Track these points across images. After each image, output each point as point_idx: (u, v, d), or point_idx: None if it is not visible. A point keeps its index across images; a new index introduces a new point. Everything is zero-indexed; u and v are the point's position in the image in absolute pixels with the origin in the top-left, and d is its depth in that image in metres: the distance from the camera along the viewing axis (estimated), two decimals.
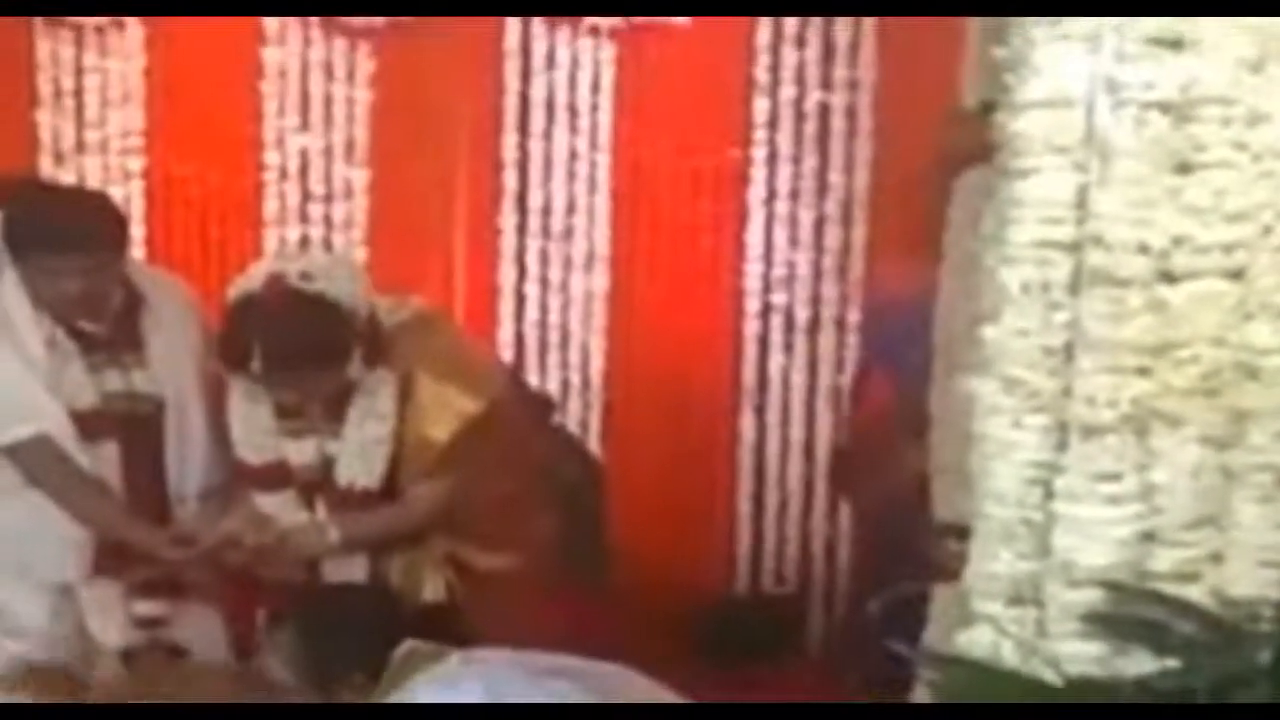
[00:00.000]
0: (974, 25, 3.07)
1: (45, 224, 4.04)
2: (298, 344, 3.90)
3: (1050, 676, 2.35)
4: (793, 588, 5.98)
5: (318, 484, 4.09)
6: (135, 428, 4.16)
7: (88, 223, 4.05)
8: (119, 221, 4.19)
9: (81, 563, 4.13)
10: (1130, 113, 2.16)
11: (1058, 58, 2.19)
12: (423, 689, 3.24)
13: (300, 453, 4.08)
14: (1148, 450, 2.31)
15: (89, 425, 4.10)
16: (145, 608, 4.18)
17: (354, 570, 4.08)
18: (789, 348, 5.95)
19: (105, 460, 4.13)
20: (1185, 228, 2.19)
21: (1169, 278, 2.21)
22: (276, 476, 4.10)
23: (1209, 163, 2.17)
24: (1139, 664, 2.33)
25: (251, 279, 3.98)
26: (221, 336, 4.00)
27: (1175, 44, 2.12)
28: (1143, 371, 2.26)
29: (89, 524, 4.09)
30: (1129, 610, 2.35)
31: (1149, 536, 2.35)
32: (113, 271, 4.08)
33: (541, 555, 4.32)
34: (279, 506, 4.10)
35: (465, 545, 4.13)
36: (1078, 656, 2.36)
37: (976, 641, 2.50)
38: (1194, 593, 2.35)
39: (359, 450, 4.01)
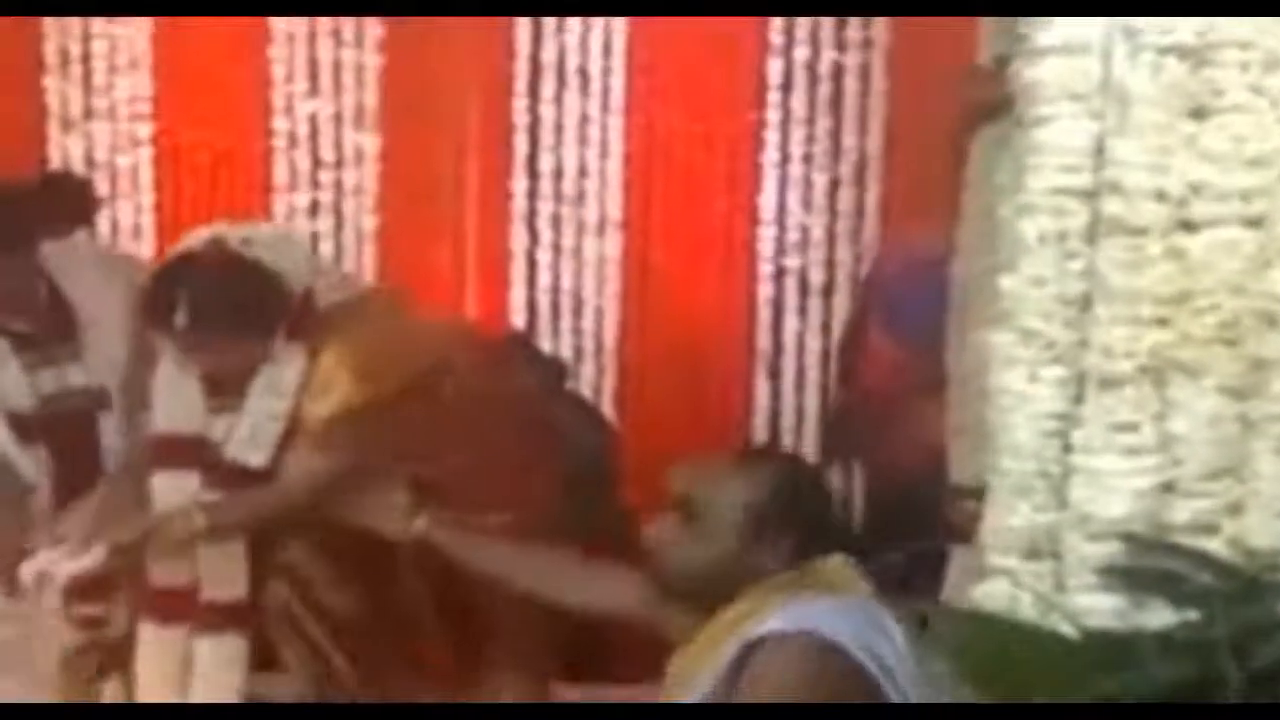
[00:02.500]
0: None
1: None
2: (224, 305, 3.76)
3: (1068, 630, 2.33)
4: None
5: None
6: (67, 426, 4.10)
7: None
8: (19, 219, 4.13)
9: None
10: (1147, 58, 2.14)
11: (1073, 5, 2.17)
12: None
13: (217, 428, 3.92)
14: (1166, 401, 2.29)
15: (24, 428, 4.06)
16: (85, 609, 4.08)
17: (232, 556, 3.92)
18: (803, 311, 5.93)
19: (41, 463, 4.08)
20: (1203, 174, 2.17)
21: (1187, 225, 2.19)
22: (190, 452, 3.92)
23: (1226, 108, 2.15)
24: (1158, 616, 2.30)
25: (191, 240, 3.93)
26: (149, 290, 3.87)
27: None
28: (1161, 321, 2.24)
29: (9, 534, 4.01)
30: (1147, 562, 2.33)
31: (1167, 488, 2.33)
32: (25, 266, 4.03)
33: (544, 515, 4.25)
34: (177, 487, 3.91)
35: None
36: (1096, 609, 2.34)
37: (992, 595, 2.48)
38: (1213, 544, 2.33)
39: (253, 426, 3.87)
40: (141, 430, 4.04)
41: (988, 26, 3.05)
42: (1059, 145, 2.24)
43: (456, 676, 4.11)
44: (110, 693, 4.04)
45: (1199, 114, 2.16)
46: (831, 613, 2.83)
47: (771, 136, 5.85)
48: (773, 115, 5.83)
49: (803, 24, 5.79)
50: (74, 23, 6.13)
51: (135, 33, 6.12)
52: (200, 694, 3.90)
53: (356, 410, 3.84)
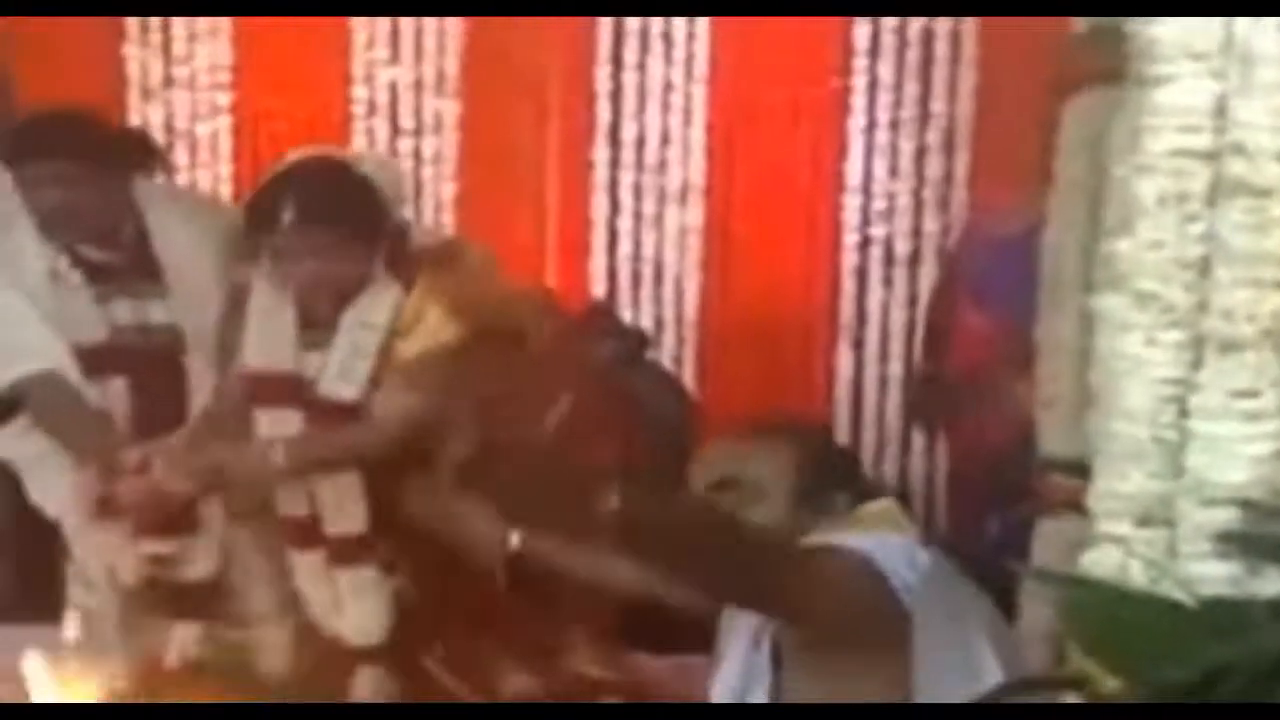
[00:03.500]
0: None
1: (31, 134, 4.02)
2: (331, 206, 3.80)
3: (1182, 597, 2.30)
4: None
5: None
6: (147, 362, 4.10)
7: (65, 131, 4.00)
8: (108, 136, 4.12)
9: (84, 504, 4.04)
10: (1272, 18, 2.09)
11: None
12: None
13: (311, 365, 3.96)
14: None
15: (96, 360, 4.05)
16: (153, 546, 4.07)
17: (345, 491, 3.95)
18: (888, 281, 5.89)
19: (114, 396, 4.07)
20: None
21: None
22: (287, 389, 3.95)
23: None
24: (1273, 584, 2.27)
25: (298, 154, 3.94)
26: (254, 196, 3.91)
27: None
28: None
29: (86, 459, 4.02)
30: (1264, 529, 2.29)
31: None
32: (101, 188, 4.02)
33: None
34: (279, 424, 3.95)
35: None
36: (1209, 577, 2.30)
37: (1101, 563, 2.44)
38: None
39: (343, 359, 3.89)
40: (231, 373, 4.04)
41: None
42: (1180, 105, 2.20)
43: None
44: (181, 637, 4.04)
45: None
46: (882, 545, 3.24)
47: (858, 102, 5.80)
48: (859, 81, 5.79)
49: None
50: None
51: None
52: (352, 621, 3.95)
53: (445, 348, 3.86)
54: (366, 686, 3.96)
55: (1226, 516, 2.29)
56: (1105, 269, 2.40)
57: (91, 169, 4.05)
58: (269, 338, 3.95)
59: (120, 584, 4.03)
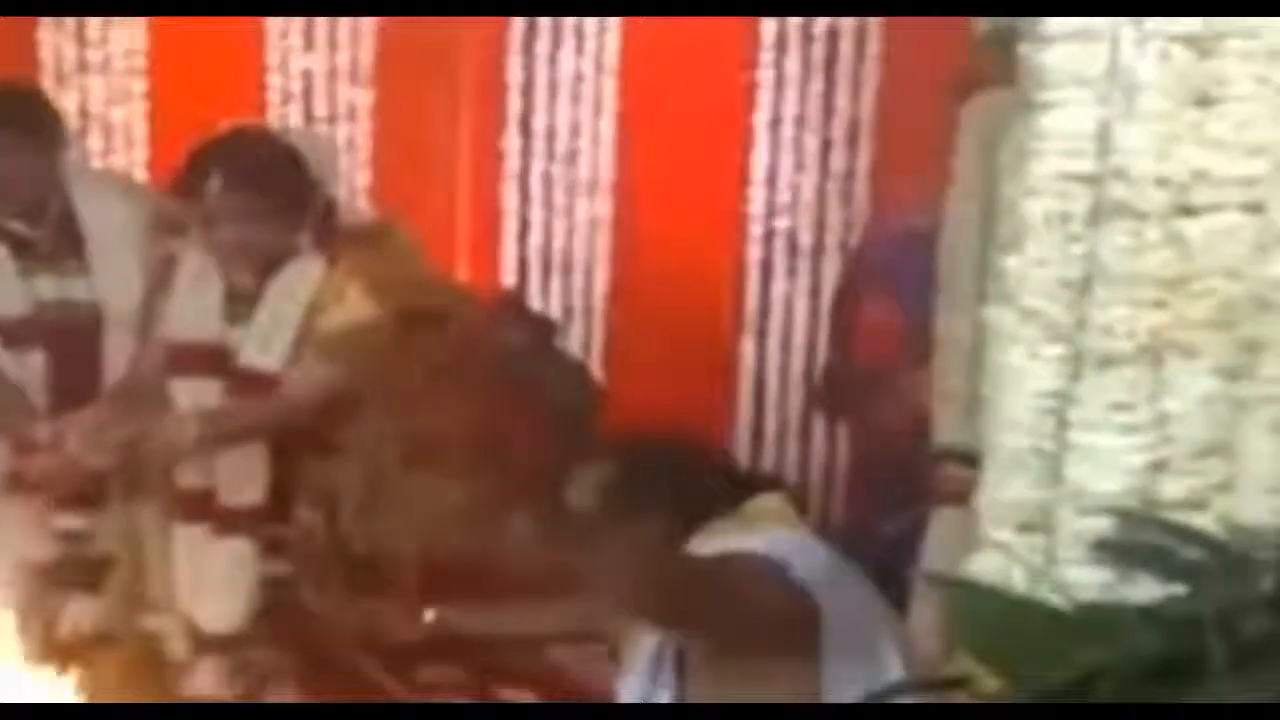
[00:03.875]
0: None
1: None
2: (258, 174, 3.82)
3: (1059, 601, 2.38)
4: None
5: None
6: (67, 338, 4.12)
7: (10, 117, 4.02)
8: (30, 110, 4.13)
9: None
10: (1155, 46, 2.18)
11: None
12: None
13: (235, 337, 3.98)
14: (1161, 381, 2.33)
15: (16, 332, 4.07)
16: (66, 521, 4.12)
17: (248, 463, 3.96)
18: (792, 273, 5.98)
19: (31, 369, 4.09)
20: (1205, 161, 2.21)
21: (1188, 211, 2.23)
22: (207, 360, 3.98)
23: (1231, 96, 2.19)
24: (1146, 590, 2.35)
25: (228, 124, 3.99)
26: (184, 165, 3.92)
27: None
28: (1159, 304, 2.28)
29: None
30: (1138, 537, 2.38)
31: (1160, 465, 2.37)
32: (31, 161, 4.04)
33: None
34: (197, 395, 3.97)
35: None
36: (1085, 583, 2.39)
37: (985, 567, 2.53)
38: (1202, 520, 2.38)
39: (265, 330, 3.93)
40: (153, 345, 4.06)
41: None
42: (1065, 131, 2.28)
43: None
44: (72, 612, 4.05)
45: (1203, 102, 2.20)
46: (775, 543, 3.18)
47: (764, 97, 5.88)
48: (766, 75, 5.86)
49: None
50: None
51: None
52: (208, 593, 3.94)
53: (363, 325, 3.88)
54: (204, 680, 3.97)
55: (1102, 525, 2.39)
56: (995, 283, 2.48)
57: (22, 140, 4.07)
58: (194, 308, 3.98)
59: (30, 560, 4.06)
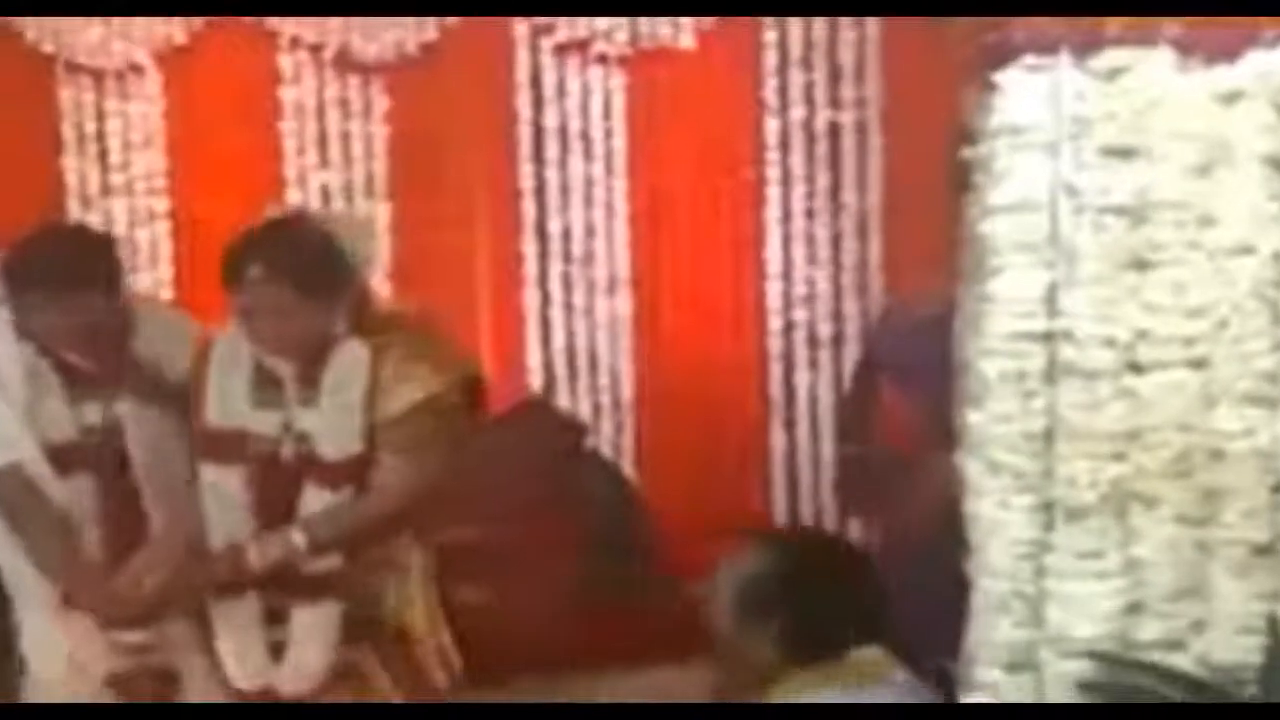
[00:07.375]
0: None
1: (37, 262, 4.09)
2: (296, 262, 3.86)
3: None
4: None
5: (293, 465, 3.95)
6: (114, 461, 4.17)
7: (77, 263, 4.08)
8: (110, 261, 4.20)
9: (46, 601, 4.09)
10: (1090, 217, 2.23)
11: (1020, 165, 2.26)
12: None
13: (261, 423, 3.97)
14: (1128, 528, 2.39)
15: (64, 458, 4.13)
16: (127, 636, 4.10)
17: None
18: (814, 364, 6.00)
19: (81, 494, 4.15)
20: (1147, 322, 2.27)
21: (1136, 368, 2.29)
22: (232, 446, 3.97)
23: (1166, 261, 2.24)
24: None
25: (273, 210, 4.05)
26: (225, 253, 3.95)
27: (1127, 153, 2.18)
28: (1118, 456, 2.34)
29: (44, 566, 4.08)
30: (1119, 679, 2.42)
31: (1135, 608, 2.43)
32: (100, 307, 4.11)
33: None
34: (224, 480, 3.97)
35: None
36: None
37: None
38: (1181, 660, 2.42)
39: (334, 419, 3.91)
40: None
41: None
42: (1013, 295, 2.33)
43: None
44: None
45: (1141, 266, 2.26)
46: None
47: (773, 193, 5.92)
48: (772, 173, 5.91)
49: (796, 83, 5.86)
50: (88, 101, 6.23)
51: (148, 109, 6.22)
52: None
53: (439, 400, 3.89)
54: None
55: (1085, 667, 2.43)
56: (962, 435, 2.53)
57: (97, 297, 4.14)
58: (223, 394, 4.04)
59: (89, 674, 4.13)
